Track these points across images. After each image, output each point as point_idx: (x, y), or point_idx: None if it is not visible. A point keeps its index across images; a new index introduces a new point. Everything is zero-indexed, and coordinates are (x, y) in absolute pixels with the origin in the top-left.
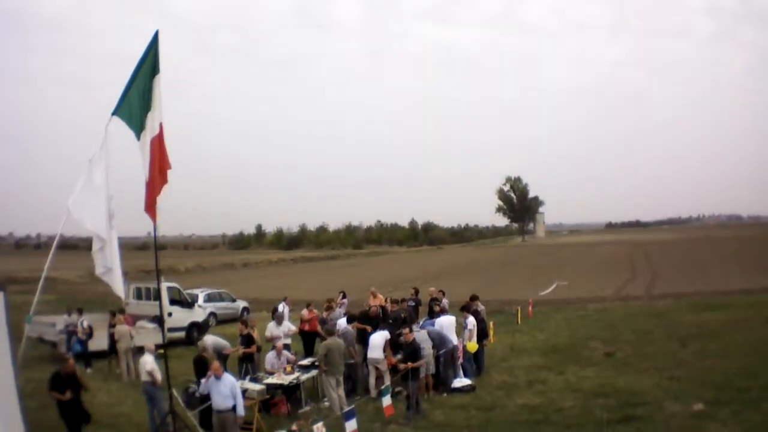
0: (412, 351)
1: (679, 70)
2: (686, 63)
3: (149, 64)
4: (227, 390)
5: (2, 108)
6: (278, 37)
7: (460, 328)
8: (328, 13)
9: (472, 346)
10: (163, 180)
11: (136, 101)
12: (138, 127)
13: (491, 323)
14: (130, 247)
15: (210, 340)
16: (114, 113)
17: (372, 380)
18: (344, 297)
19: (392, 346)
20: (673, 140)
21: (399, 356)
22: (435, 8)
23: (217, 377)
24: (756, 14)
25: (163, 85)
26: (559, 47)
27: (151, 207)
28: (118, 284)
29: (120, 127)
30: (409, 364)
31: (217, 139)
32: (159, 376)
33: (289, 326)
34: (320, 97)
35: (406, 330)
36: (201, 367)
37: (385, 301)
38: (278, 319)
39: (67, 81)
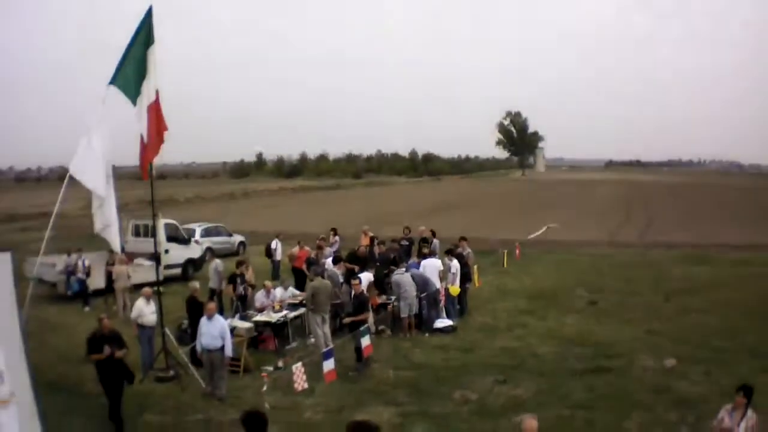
0: (359, 303)
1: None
2: (691, 5)
3: (144, 35)
4: (216, 331)
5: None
6: None
7: (446, 271)
8: None
9: (455, 289)
10: (160, 141)
11: (132, 70)
12: (134, 95)
13: (475, 267)
14: (130, 176)
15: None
16: (111, 83)
17: None
18: (336, 234)
19: (378, 286)
20: (678, 82)
21: (383, 297)
22: None
23: (209, 318)
24: None
25: (167, 12)
26: None
27: (144, 166)
28: (115, 239)
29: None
30: (360, 317)
31: (218, 67)
32: (147, 320)
33: (293, 292)
34: (322, 20)
35: (354, 282)
36: (193, 307)
37: (371, 242)
38: (284, 284)
39: (66, 16)
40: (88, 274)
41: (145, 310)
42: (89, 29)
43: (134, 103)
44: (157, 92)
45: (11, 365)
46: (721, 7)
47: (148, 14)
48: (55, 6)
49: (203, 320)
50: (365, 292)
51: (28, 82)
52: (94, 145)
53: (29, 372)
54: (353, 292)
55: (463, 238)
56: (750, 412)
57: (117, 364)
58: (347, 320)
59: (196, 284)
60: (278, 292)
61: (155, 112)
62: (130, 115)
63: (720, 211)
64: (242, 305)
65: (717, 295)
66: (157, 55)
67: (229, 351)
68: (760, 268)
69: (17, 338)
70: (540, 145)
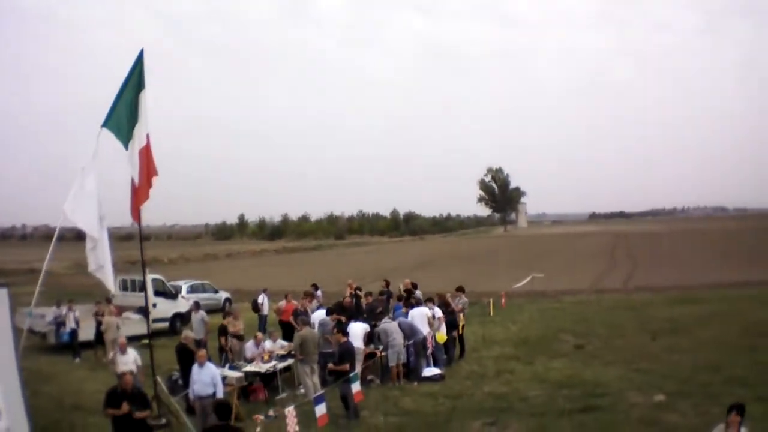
0: (342, 353)
1: (665, 62)
2: (672, 54)
3: (135, 79)
4: (208, 378)
5: None
6: (259, 27)
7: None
8: (311, 4)
9: (441, 336)
10: (149, 186)
11: (124, 114)
12: (126, 138)
13: (461, 315)
14: (115, 237)
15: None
16: (103, 125)
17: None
18: (317, 289)
19: (367, 337)
20: (658, 131)
21: (371, 346)
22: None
23: (200, 365)
24: (742, 9)
25: (148, 73)
26: (544, 38)
27: (136, 212)
28: (109, 279)
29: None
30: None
31: (200, 130)
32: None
33: (282, 344)
34: (301, 87)
35: (337, 333)
36: (183, 355)
37: (354, 291)
38: (273, 337)
39: (47, 72)
40: (77, 325)
41: (120, 360)
42: (74, 85)
43: (126, 146)
44: (147, 136)
45: (9, 401)
46: (702, 55)
47: (140, 58)
48: (40, 61)
49: (195, 368)
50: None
51: (13, 138)
52: (88, 187)
53: (26, 409)
54: (336, 341)
55: (459, 289)
56: (744, 430)
57: (137, 425)
58: (330, 367)
59: (189, 333)
60: (267, 343)
61: (146, 156)
62: (114, 170)
63: (703, 254)
64: (227, 356)
65: (703, 333)
66: (148, 100)
67: (220, 396)
68: (745, 304)
69: (14, 374)
70: (522, 200)
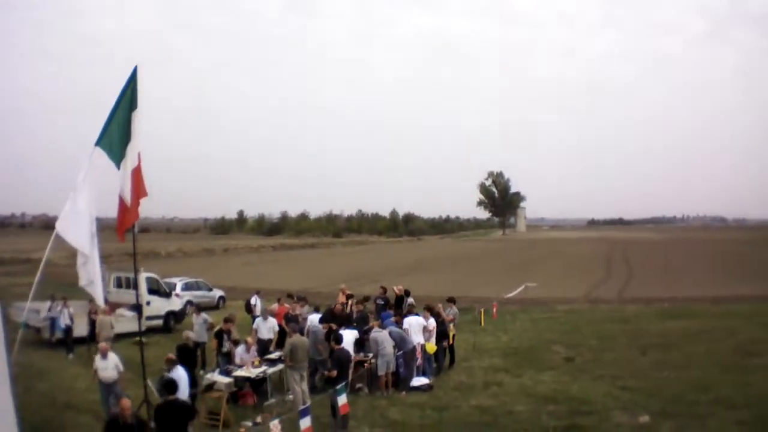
0: (335, 360)
1: (668, 68)
2: (675, 60)
3: (128, 98)
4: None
5: None
6: (265, 21)
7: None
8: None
9: (431, 347)
10: (137, 206)
11: (117, 133)
12: (118, 158)
13: (451, 325)
14: (113, 229)
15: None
16: (96, 144)
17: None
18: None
19: (356, 343)
20: (660, 139)
21: (361, 354)
22: None
23: (169, 369)
24: (746, 16)
25: (152, 63)
26: (547, 39)
27: (121, 230)
28: (99, 295)
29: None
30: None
31: (202, 123)
32: (104, 376)
33: (274, 323)
34: (305, 81)
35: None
36: (183, 354)
37: (347, 298)
38: (264, 314)
39: (44, 57)
40: (72, 321)
41: (100, 365)
42: (81, 76)
43: (118, 166)
44: (139, 155)
45: None
46: (704, 63)
47: (133, 75)
48: (57, 49)
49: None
50: (348, 348)
51: (15, 126)
52: (79, 204)
53: (15, 413)
54: (333, 348)
55: (450, 300)
56: None
57: None
58: (326, 374)
59: (189, 334)
60: (240, 349)
61: (137, 176)
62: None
63: (699, 265)
64: (225, 361)
65: (693, 349)
66: (141, 120)
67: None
68: (739, 320)
69: (5, 377)
70: (522, 205)
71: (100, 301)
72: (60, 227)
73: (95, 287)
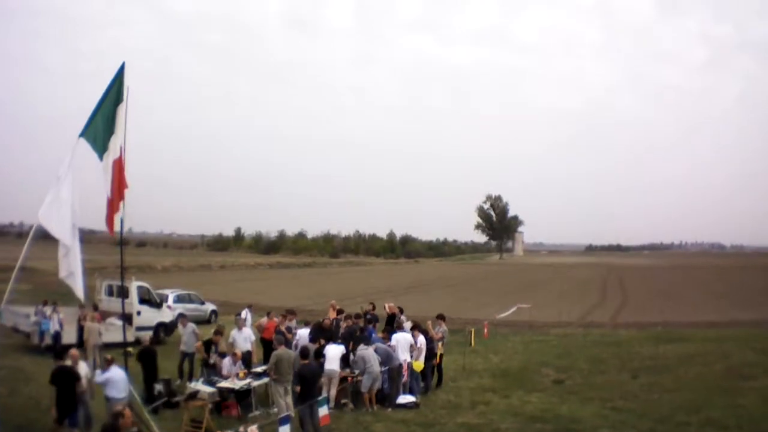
0: (298, 375)
1: (670, 97)
2: (677, 89)
3: (115, 92)
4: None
5: None
6: (265, 39)
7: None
8: (317, 17)
9: (418, 365)
10: (120, 198)
11: (101, 125)
12: (101, 149)
13: (440, 344)
14: (108, 242)
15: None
16: (81, 135)
17: (325, 391)
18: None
19: (343, 359)
20: (659, 166)
21: (347, 370)
22: (425, 20)
23: (106, 370)
24: (748, 44)
25: (151, 77)
26: (547, 67)
27: (110, 222)
28: (78, 287)
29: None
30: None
31: (201, 140)
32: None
33: (249, 333)
34: (305, 103)
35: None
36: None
37: (337, 314)
38: (239, 324)
39: (44, 69)
40: (61, 327)
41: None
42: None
43: (101, 157)
44: (121, 148)
45: None
46: (704, 93)
47: (121, 71)
48: (45, 58)
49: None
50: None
51: (15, 136)
52: (62, 195)
53: None
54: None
55: (440, 317)
56: None
57: None
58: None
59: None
60: (226, 361)
61: (118, 168)
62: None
63: (694, 291)
64: (211, 372)
65: (685, 373)
66: (126, 114)
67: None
68: (732, 344)
69: None
70: (519, 229)
71: (80, 294)
72: (42, 217)
73: (75, 279)
